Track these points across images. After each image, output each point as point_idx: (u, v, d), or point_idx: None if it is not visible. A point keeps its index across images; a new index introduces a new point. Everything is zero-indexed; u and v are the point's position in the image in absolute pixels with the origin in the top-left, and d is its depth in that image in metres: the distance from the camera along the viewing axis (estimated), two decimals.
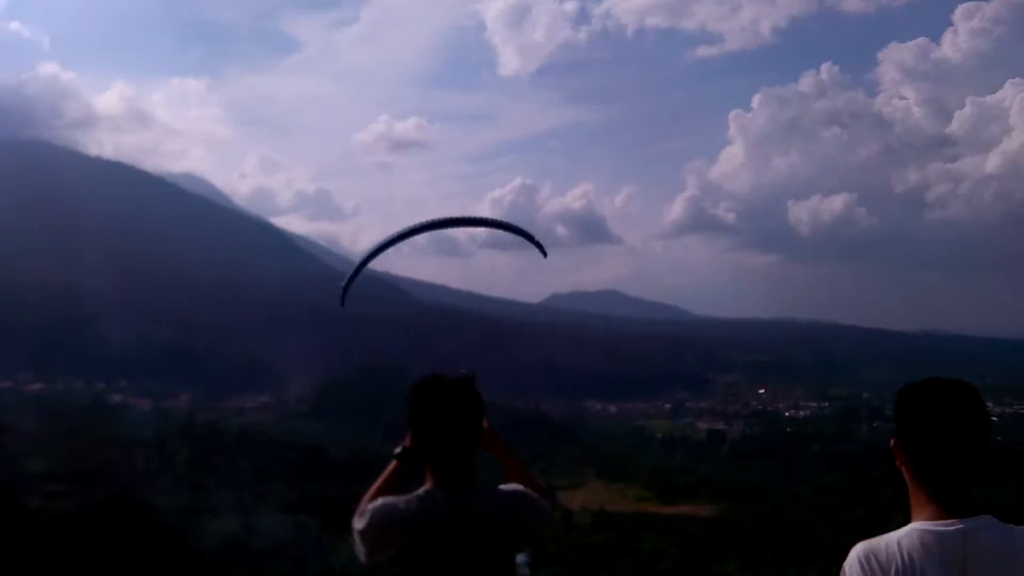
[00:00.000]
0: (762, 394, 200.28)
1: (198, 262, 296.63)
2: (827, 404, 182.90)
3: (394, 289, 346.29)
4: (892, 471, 4.02)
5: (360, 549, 4.48)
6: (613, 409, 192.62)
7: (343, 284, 10.91)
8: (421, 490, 4.44)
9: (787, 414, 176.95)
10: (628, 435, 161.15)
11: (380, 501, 4.42)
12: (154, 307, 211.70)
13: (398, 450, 4.96)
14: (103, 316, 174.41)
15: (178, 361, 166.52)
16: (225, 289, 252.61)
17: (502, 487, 4.73)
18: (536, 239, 11.32)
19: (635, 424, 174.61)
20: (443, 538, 4.28)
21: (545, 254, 11.62)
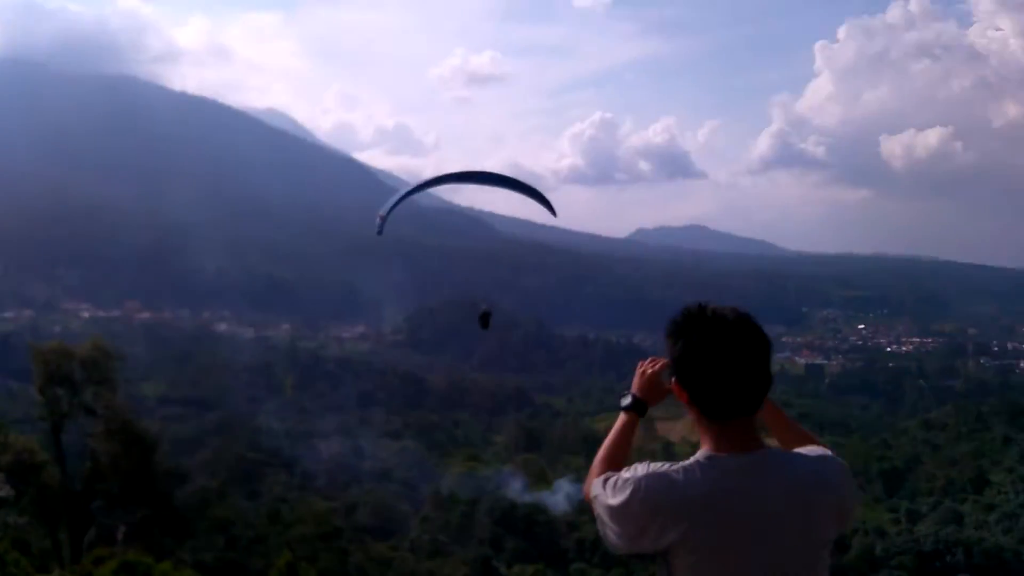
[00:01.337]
0: (862, 329, 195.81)
1: (285, 195, 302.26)
2: (930, 340, 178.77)
3: (479, 224, 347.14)
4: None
5: (614, 531, 3.45)
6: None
7: (381, 216, 11.22)
8: (700, 455, 3.41)
9: (888, 349, 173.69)
10: None
11: (647, 470, 3.40)
12: (246, 239, 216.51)
13: (627, 401, 4.04)
14: (200, 248, 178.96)
15: (276, 292, 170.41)
16: (312, 222, 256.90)
17: (799, 450, 3.63)
18: (547, 200, 11.41)
19: None
20: (739, 518, 3.28)
21: (555, 214, 11.33)
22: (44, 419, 38.05)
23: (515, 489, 68.64)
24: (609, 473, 3.58)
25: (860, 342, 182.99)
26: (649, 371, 4.02)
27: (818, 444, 3.72)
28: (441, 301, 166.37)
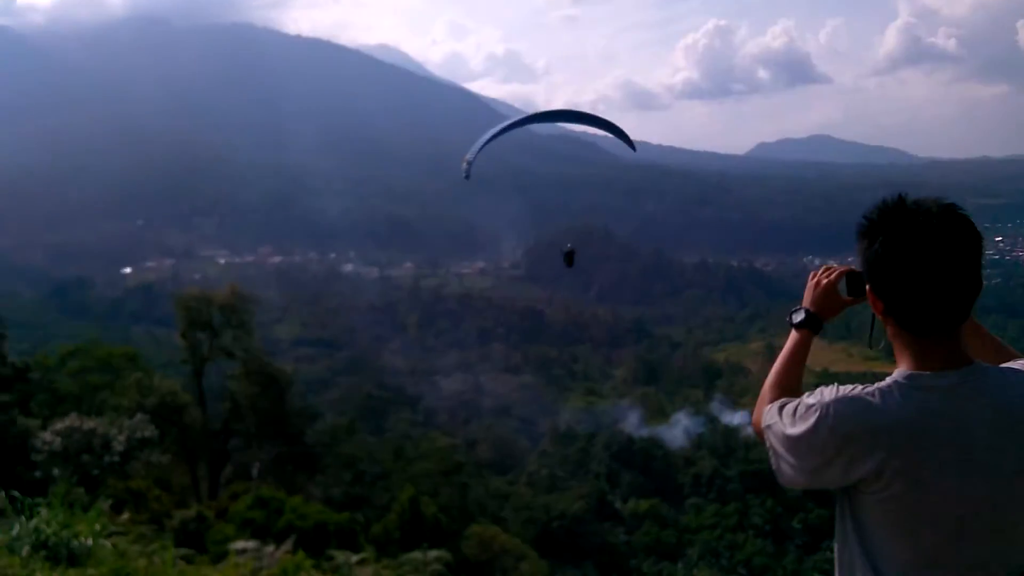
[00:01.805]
0: (999, 242, 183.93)
1: (400, 132, 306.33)
2: None
3: (595, 149, 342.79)
4: None
5: (791, 464, 3.05)
6: (833, 263, 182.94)
7: (467, 160, 11.05)
8: (898, 375, 2.92)
9: None
10: None
11: (835, 393, 2.93)
12: (366, 179, 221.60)
13: (799, 316, 3.57)
14: (324, 190, 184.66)
15: (398, 230, 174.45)
16: (428, 157, 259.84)
17: (1010, 365, 3.03)
18: (625, 134, 10.94)
19: None
20: (945, 445, 2.82)
21: (634, 148, 11.18)
22: (186, 363, 40.36)
23: (632, 423, 69.16)
24: (785, 399, 3.21)
25: (997, 256, 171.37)
26: (824, 281, 3.60)
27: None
28: (558, 232, 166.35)
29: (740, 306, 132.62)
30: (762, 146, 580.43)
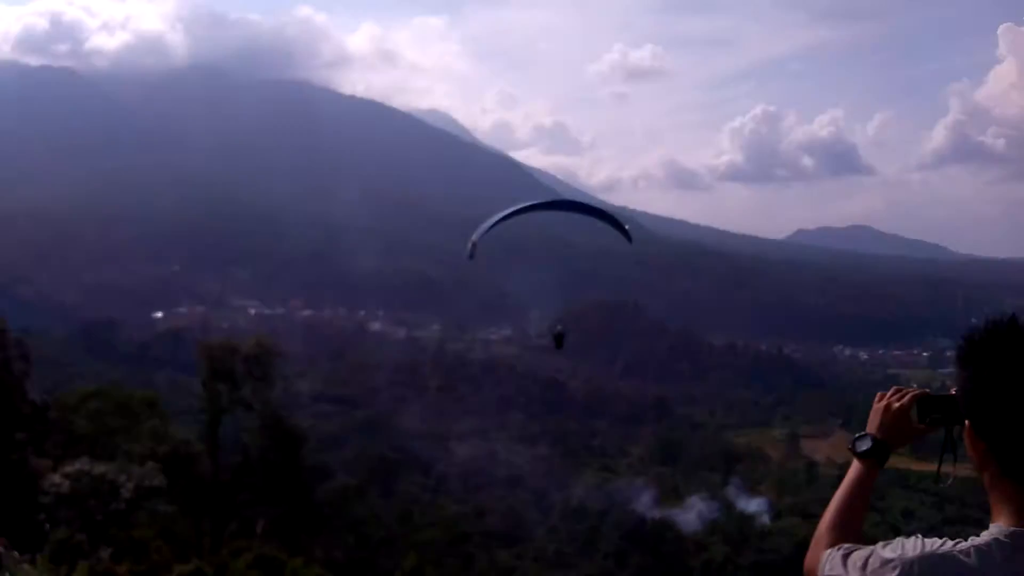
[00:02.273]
0: None
1: (443, 195, 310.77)
2: None
3: (632, 223, 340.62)
4: None
5: None
6: (864, 355, 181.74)
7: (473, 242, 11.76)
8: (997, 531, 2.48)
9: None
10: (879, 384, 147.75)
11: (919, 549, 2.51)
12: (404, 239, 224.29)
13: (866, 445, 3.15)
14: (361, 248, 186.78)
15: (430, 291, 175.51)
16: (468, 221, 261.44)
17: None
18: (623, 226, 11.60)
19: (888, 372, 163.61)
20: None
21: (630, 240, 11.69)
22: (204, 412, 40.67)
23: (645, 503, 68.29)
24: (849, 546, 2.76)
25: None
26: (896, 405, 3.16)
27: None
28: (589, 304, 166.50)
29: (766, 391, 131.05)
30: (801, 232, 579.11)
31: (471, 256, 11.99)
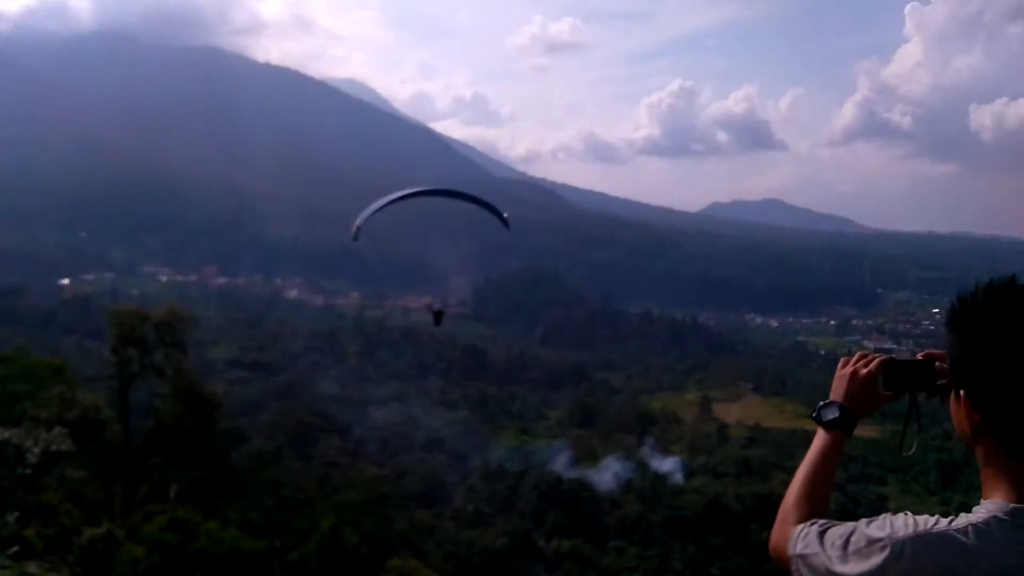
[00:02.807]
0: (936, 314, 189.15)
1: (361, 165, 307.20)
2: None
3: (552, 195, 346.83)
4: None
5: None
6: (774, 323, 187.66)
7: (356, 225, 12.47)
8: (995, 508, 2.28)
9: None
10: (789, 351, 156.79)
11: (911, 527, 2.28)
12: (322, 208, 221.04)
13: (832, 413, 2.93)
14: (278, 216, 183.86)
15: (348, 260, 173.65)
16: (387, 191, 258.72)
17: None
18: (502, 213, 12.34)
19: (797, 339, 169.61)
20: None
21: (508, 226, 12.44)
22: (114, 378, 39.51)
23: (563, 464, 69.58)
24: (825, 522, 2.53)
25: (933, 327, 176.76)
26: (864, 372, 2.92)
27: None
28: (508, 273, 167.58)
29: (681, 357, 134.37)
30: (716, 205, 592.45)
31: (355, 238, 12.54)
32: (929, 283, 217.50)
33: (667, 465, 74.15)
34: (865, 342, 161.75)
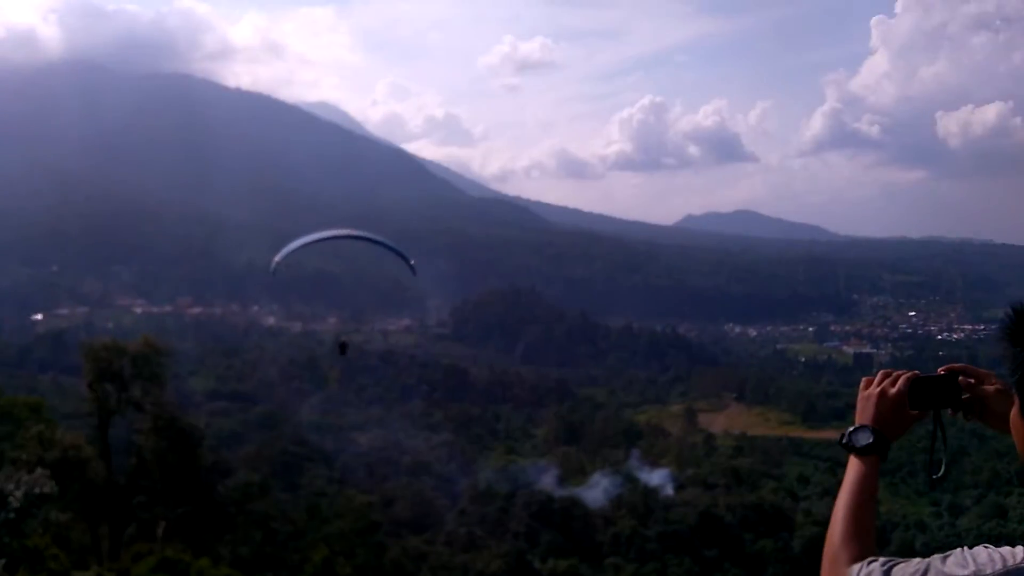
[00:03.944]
0: (912, 316, 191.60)
1: (335, 188, 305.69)
2: (983, 327, 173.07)
3: (527, 213, 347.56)
4: None
5: None
6: (753, 332, 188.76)
7: (276, 261, 12.68)
8: None
9: (939, 337, 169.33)
10: (769, 359, 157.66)
11: (1000, 564, 2.05)
12: (296, 233, 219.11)
13: (865, 438, 2.71)
14: (252, 243, 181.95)
15: (324, 285, 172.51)
16: (361, 214, 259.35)
17: None
18: (409, 260, 12.99)
19: (776, 348, 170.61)
20: None
21: (415, 272, 13.03)
22: (92, 415, 38.68)
23: (552, 483, 69.14)
24: (886, 559, 2.30)
25: (910, 330, 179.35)
26: (892, 391, 2.73)
27: None
28: (486, 293, 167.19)
29: (662, 370, 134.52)
30: (689, 218, 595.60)
31: (273, 273, 12.83)
32: (903, 287, 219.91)
33: (656, 478, 73.98)
34: (844, 347, 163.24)
